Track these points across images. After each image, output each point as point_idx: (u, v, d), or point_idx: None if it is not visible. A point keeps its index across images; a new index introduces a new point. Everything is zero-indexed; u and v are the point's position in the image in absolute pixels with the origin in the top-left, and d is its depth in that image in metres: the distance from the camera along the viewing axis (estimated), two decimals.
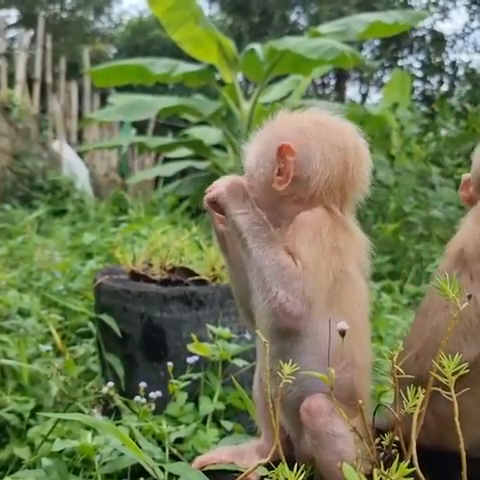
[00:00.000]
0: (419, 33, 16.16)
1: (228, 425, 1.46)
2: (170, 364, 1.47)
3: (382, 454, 0.87)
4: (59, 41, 12.69)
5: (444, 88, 15.94)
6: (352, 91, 18.67)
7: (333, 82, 17.27)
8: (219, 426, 1.47)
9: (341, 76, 16.38)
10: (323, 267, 0.92)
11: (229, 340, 1.55)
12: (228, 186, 0.98)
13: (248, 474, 0.95)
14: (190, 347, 1.50)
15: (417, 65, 16.89)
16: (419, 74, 16.50)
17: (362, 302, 0.99)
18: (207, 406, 1.48)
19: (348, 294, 0.95)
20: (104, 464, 1.19)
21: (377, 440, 0.88)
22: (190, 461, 1.17)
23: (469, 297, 0.84)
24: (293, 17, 16.65)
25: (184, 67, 6.25)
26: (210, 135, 7.23)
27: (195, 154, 7.73)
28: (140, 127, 9.88)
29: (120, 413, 1.48)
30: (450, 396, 0.78)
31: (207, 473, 1.04)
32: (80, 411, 1.39)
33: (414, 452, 0.79)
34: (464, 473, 0.78)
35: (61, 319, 2.26)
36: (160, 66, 6.16)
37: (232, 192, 0.98)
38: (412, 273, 3.51)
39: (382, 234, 4.09)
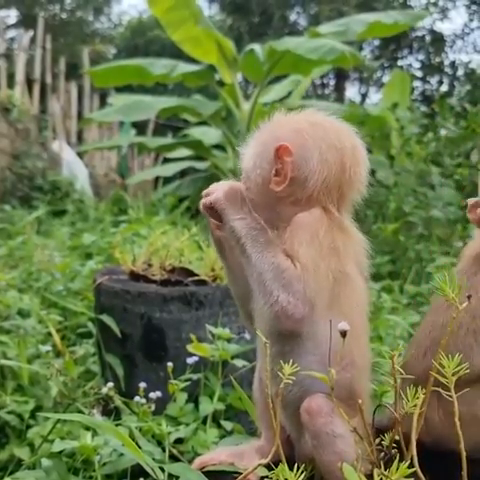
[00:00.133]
0: (419, 33, 16.16)
1: (228, 425, 1.46)
2: (170, 364, 1.47)
3: (382, 454, 0.87)
4: (59, 41, 12.69)
5: (444, 88, 15.95)
6: (352, 91, 18.69)
7: (333, 82, 17.27)
8: (219, 426, 1.47)
9: (341, 76, 16.37)
10: (322, 268, 0.92)
11: (229, 340, 1.55)
12: (226, 191, 0.98)
13: (248, 474, 0.95)
14: (190, 347, 1.50)
15: (417, 65, 16.91)
16: (419, 74, 16.50)
17: (361, 302, 0.99)
18: (207, 406, 1.48)
19: (347, 295, 0.95)
20: (104, 464, 1.19)
21: (377, 440, 0.88)
22: (190, 461, 1.17)
23: (469, 297, 0.84)
24: (293, 17, 16.65)
25: (184, 67, 6.25)
26: (210, 135, 7.23)
27: (195, 154, 7.73)
28: (140, 127, 9.88)
29: (120, 413, 1.48)
30: (451, 396, 0.78)
31: (207, 474, 1.04)
32: (80, 411, 1.39)
33: (414, 452, 0.79)
34: (464, 473, 0.78)
35: (61, 319, 2.25)
36: (160, 66, 6.16)
37: (230, 197, 0.97)
38: (412, 273, 3.51)
39: (382, 234, 4.10)
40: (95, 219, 5.51)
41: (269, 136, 1.02)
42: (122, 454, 1.18)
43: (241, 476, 0.95)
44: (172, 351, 1.62)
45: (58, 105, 7.98)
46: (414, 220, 4.14)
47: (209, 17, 10.48)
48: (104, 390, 1.47)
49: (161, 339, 1.63)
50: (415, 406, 0.80)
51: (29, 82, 7.42)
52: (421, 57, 16.84)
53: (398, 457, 0.82)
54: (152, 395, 1.43)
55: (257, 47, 6.11)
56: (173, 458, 1.27)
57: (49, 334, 2.08)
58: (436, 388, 0.81)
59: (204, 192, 1.02)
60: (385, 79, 15.90)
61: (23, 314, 2.27)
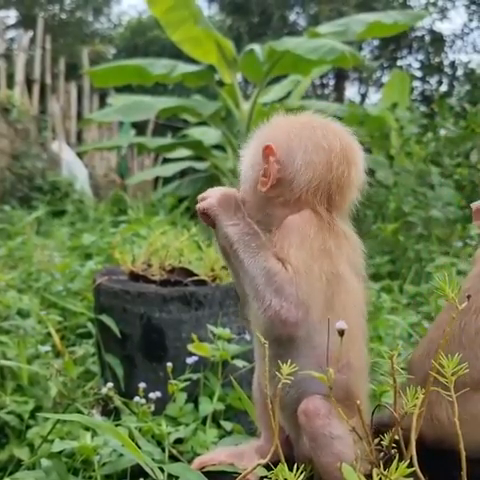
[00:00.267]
0: (418, 33, 16.16)
1: (228, 425, 1.46)
2: (169, 364, 1.46)
3: (382, 454, 0.87)
4: (58, 42, 12.69)
5: (443, 88, 15.94)
6: (351, 91, 18.68)
7: (332, 82, 17.26)
8: (219, 427, 1.47)
9: (340, 76, 16.38)
10: (315, 270, 0.92)
11: (229, 340, 1.55)
12: (219, 198, 0.98)
13: (247, 474, 0.95)
14: (190, 347, 1.50)
15: (416, 65, 16.91)
16: (418, 74, 16.50)
17: (356, 303, 0.98)
18: (207, 406, 1.48)
19: (341, 296, 0.95)
20: (103, 465, 1.19)
21: (376, 440, 0.88)
22: (190, 462, 1.17)
23: (468, 297, 0.84)
24: (292, 17, 16.64)
25: (183, 67, 6.25)
26: (209, 135, 7.23)
27: (194, 154, 7.73)
28: (139, 128, 9.88)
29: (119, 414, 1.48)
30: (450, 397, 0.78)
31: (207, 474, 1.04)
32: (79, 412, 1.39)
33: (414, 452, 0.79)
34: (464, 473, 0.78)
35: (60, 320, 2.25)
36: (159, 66, 6.16)
37: (222, 204, 0.97)
38: (412, 273, 3.51)
39: (381, 234, 4.09)
40: (95, 219, 5.51)
41: (261, 138, 1.02)
42: (122, 454, 1.18)
43: (240, 476, 0.95)
44: (172, 351, 1.62)
45: (58, 105, 7.98)
46: (414, 220, 4.14)
47: (209, 17, 10.48)
48: (104, 390, 1.47)
49: (161, 339, 1.63)
50: (415, 406, 0.80)
51: (29, 82, 7.42)
52: (420, 57, 16.84)
53: (398, 457, 0.82)
54: (152, 395, 1.43)
55: (257, 47, 6.11)
56: (173, 458, 1.27)
57: (49, 334, 2.08)
58: (436, 388, 0.81)
59: (199, 197, 1.02)
60: (385, 79, 15.91)
61: (23, 314, 2.27)
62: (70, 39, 14.83)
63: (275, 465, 0.83)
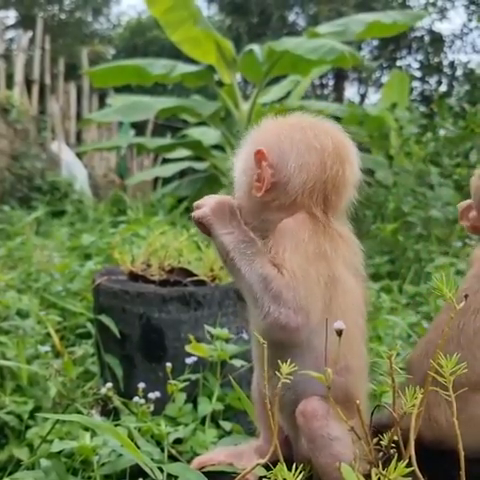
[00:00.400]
0: (417, 33, 16.16)
1: (227, 425, 1.46)
2: (169, 365, 1.47)
3: (381, 454, 0.87)
4: (57, 42, 12.69)
5: (443, 88, 15.93)
6: (351, 91, 18.65)
7: (332, 83, 17.26)
8: (218, 426, 1.47)
9: (340, 76, 16.38)
10: (312, 274, 0.91)
11: (227, 340, 1.55)
12: (213, 207, 0.97)
13: (246, 474, 0.95)
14: (188, 348, 1.50)
15: (416, 65, 16.90)
16: (418, 74, 16.50)
17: (354, 305, 0.97)
18: (206, 406, 1.48)
19: (338, 299, 0.94)
20: (103, 465, 1.19)
21: (375, 440, 0.88)
22: (189, 462, 1.18)
23: (466, 297, 0.84)
24: (292, 17, 16.64)
25: (183, 68, 6.25)
26: (209, 136, 7.23)
27: (194, 155, 7.73)
28: (139, 128, 9.87)
29: (119, 414, 1.48)
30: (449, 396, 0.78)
31: (206, 474, 1.04)
32: (79, 412, 1.39)
33: (412, 452, 0.79)
34: (462, 472, 0.78)
35: (60, 320, 2.25)
36: (159, 67, 6.16)
37: (217, 213, 0.97)
38: (411, 273, 3.51)
39: (381, 234, 4.09)
40: (94, 220, 5.51)
41: (252, 142, 1.02)
42: (121, 454, 1.18)
43: (239, 476, 0.95)
44: (171, 351, 1.62)
45: (57, 106, 7.98)
46: (413, 220, 4.14)
47: (208, 17, 10.48)
48: (103, 390, 1.47)
49: (160, 339, 1.63)
50: (413, 406, 0.80)
51: (28, 83, 7.42)
52: (420, 57, 16.84)
53: (396, 456, 0.82)
54: (151, 395, 1.44)
55: (256, 47, 6.11)
56: (172, 458, 1.27)
57: (48, 334, 2.08)
58: (435, 388, 0.81)
59: (194, 204, 1.01)
60: (384, 79, 15.90)
61: (22, 314, 2.27)
62: (69, 39, 14.83)
63: (274, 465, 0.83)
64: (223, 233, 0.95)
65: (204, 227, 0.98)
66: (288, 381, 0.82)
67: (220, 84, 6.75)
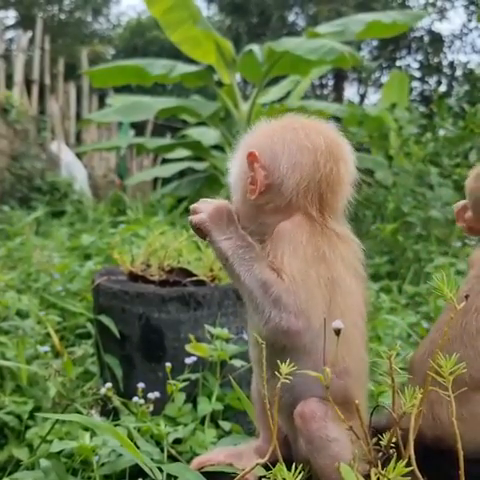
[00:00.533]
0: (417, 33, 16.17)
1: (226, 426, 1.46)
2: (168, 365, 1.47)
3: (380, 454, 0.87)
4: (57, 42, 12.70)
5: (442, 88, 15.93)
6: (350, 92, 18.65)
7: (331, 83, 17.27)
8: (217, 427, 1.47)
9: (339, 77, 16.38)
10: (312, 276, 0.90)
11: (227, 340, 1.55)
12: (210, 212, 0.97)
13: (246, 474, 0.95)
14: (188, 348, 1.50)
15: (415, 65, 16.92)
16: (417, 74, 16.51)
17: (354, 307, 0.97)
18: (205, 407, 1.48)
19: (337, 301, 0.93)
20: (102, 465, 1.19)
21: (374, 440, 0.88)
22: (188, 462, 1.18)
23: (466, 297, 0.84)
24: (291, 18, 16.65)
25: (182, 68, 6.24)
26: (208, 136, 7.23)
27: (193, 155, 7.73)
28: (138, 128, 9.88)
29: (118, 414, 1.48)
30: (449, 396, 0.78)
31: (205, 474, 1.04)
32: (78, 412, 1.39)
33: (412, 451, 0.79)
34: (462, 472, 0.78)
35: (59, 320, 2.25)
36: (158, 67, 6.16)
37: (214, 218, 0.96)
38: (411, 273, 3.51)
39: (381, 234, 4.09)
40: (94, 220, 5.51)
41: (245, 146, 1.01)
42: (121, 454, 1.18)
43: (239, 476, 0.95)
44: (170, 351, 1.62)
45: (57, 106, 7.98)
46: (413, 220, 4.14)
47: (208, 18, 10.49)
48: (102, 390, 1.47)
49: (159, 339, 1.63)
50: (413, 406, 0.81)
51: (28, 83, 7.42)
52: (419, 57, 16.85)
53: (396, 456, 0.82)
54: (150, 395, 1.44)
55: (256, 48, 6.10)
56: (171, 458, 1.27)
57: (48, 335, 2.08)
58: (435, 388, 0.81)
59: (191, 208, 1.00)
60: (384, 79, 15.92)
61: (22, 315, 2.27)
62: (69, 39, 14.84)
63: (274, 465, 0.83)
64: (221, 239, 0.95)
65: (202, 232, 0.98)
66: (287, 382, 0.82)
67: (220, 84, 6.75)
